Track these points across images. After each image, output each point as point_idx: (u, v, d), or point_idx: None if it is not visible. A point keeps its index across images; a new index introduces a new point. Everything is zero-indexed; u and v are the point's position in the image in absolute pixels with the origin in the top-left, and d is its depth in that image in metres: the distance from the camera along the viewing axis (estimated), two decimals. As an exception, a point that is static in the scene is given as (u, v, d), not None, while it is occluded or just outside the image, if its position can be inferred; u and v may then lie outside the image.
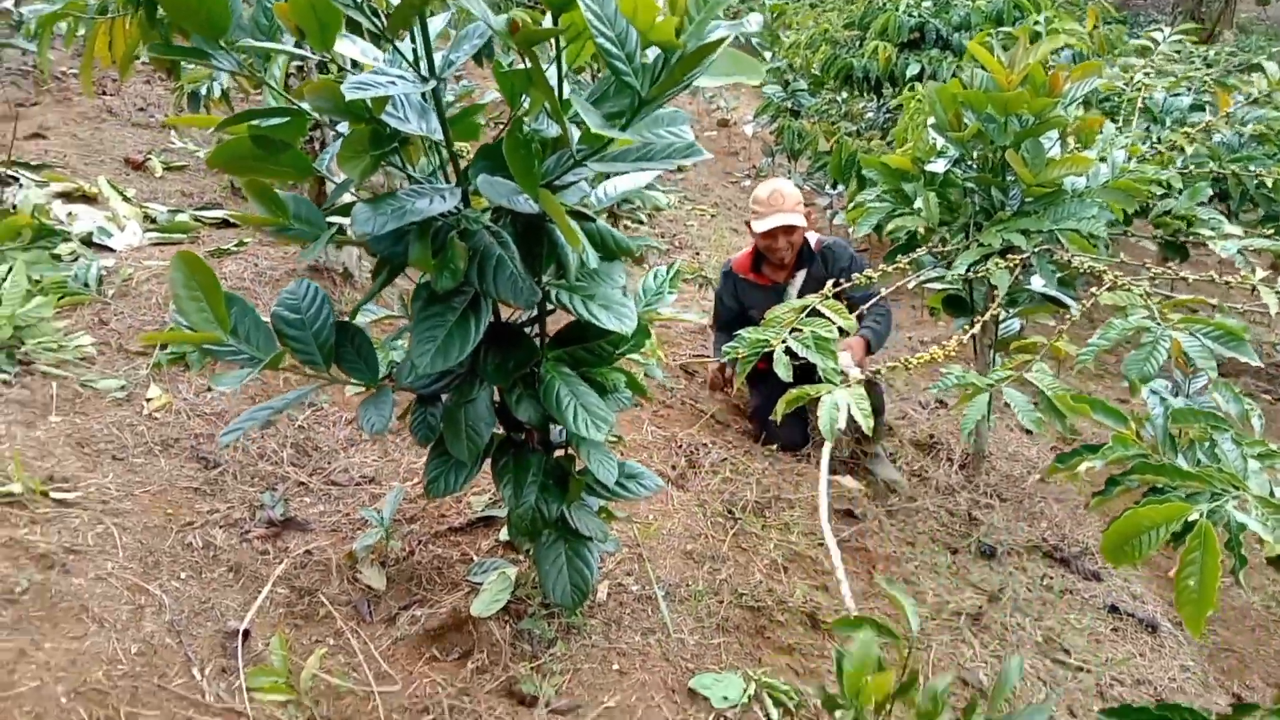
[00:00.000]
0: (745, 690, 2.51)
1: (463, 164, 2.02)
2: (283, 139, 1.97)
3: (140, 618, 2.47)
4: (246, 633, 2.52)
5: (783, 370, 2.42)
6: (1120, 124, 4.63)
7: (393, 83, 1.68)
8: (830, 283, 2.75)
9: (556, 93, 1.72)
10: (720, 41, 1.41)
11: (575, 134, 1.84)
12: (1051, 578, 3.62)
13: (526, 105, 1.91)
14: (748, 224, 4.07)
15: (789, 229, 3.96)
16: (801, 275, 4.13)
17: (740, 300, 4.28)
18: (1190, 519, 1.47)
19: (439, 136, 1.89)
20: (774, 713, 2.48)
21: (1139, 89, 4.99)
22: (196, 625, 2.52)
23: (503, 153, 1.76)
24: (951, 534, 3.76)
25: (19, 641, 2.24)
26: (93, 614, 2.40)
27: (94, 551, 2.61)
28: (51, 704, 2.13)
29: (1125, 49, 7.05)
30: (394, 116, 1.83)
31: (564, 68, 1.76)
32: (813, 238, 4.16)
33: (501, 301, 2.05)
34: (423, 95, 1.88)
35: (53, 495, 2.74)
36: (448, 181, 2.04)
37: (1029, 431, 4.94)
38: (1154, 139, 4.84)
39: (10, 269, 3.62)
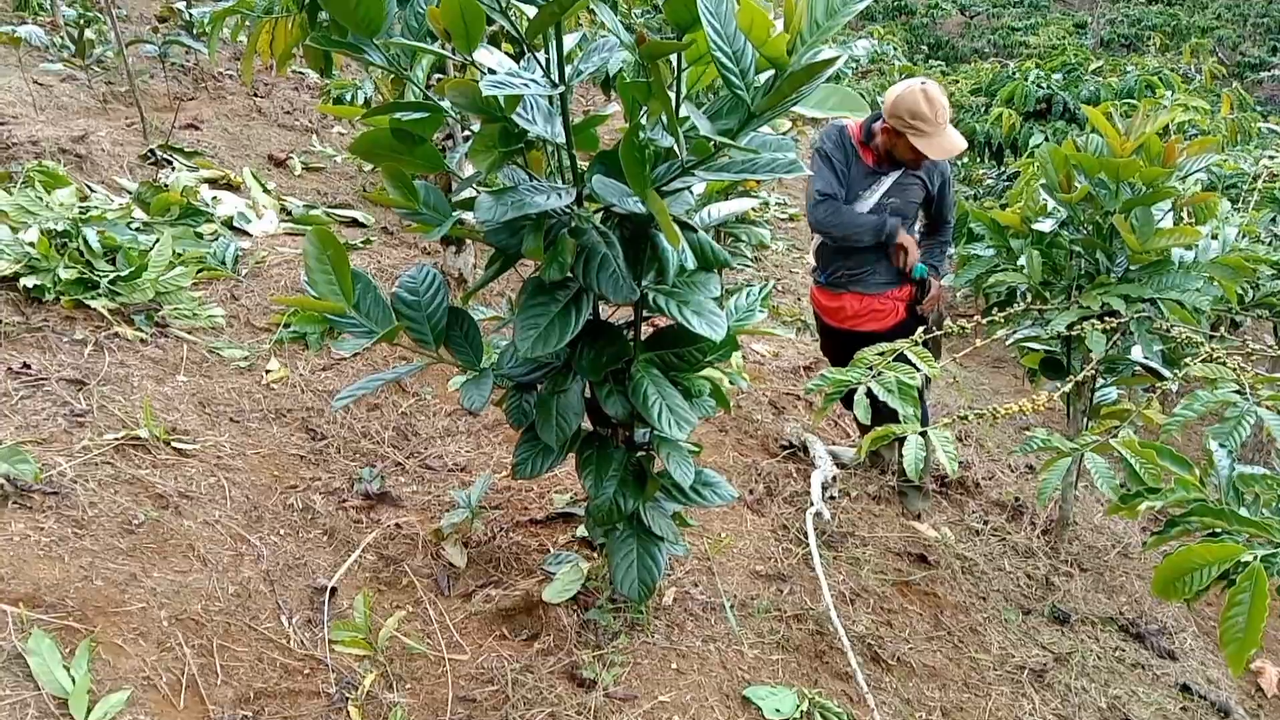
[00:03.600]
0: (798, 706, 2.56)
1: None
2: (419, 133, 2.16)
3: (239, 563, 2.66)
4: (334, 590, 2.69)
5: (861, 413, 2.48)
6: (1240, 205, 4.57)
7: (526, 85, 1.84)
8: (921, 331, 2.80)
9: (674, 105, 1.85)
10: (830, 62, 1.53)
11: (685, 146, 1.97)
12: (1124, 650, 3.56)
13: (644, 118, 2.05)
14: (882, 123, 3.59)
15: None
16: (899, 171, 3.70)
17: (847, 165, 3.72)
18: (1243, 560, 1.51)
19: (561, 140, 2.04)
20: (824, 732, 2.53)
21: (1265, 172, 4.92)
22: (289, 578, 2.70)
23: (618, 157, 1.90)
24: (1026, 596, 3.73)
25: (132, 567, 2.45)
26: (198, 553, 2.60)
27: (205, 499, 2.82)
28: (154, 625, 2.32)
29: (1264, 141, 6.93)
30: (523, 117, 2.00)
31: (683, 86, 1.90)
32: None
33: (602, 298, 2.18)
34: (550, 100, 2.03)
35: (174, 444, 2.97)
36: (565, 183, 2.19)
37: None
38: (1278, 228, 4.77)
39: (158, 240, 3.93)
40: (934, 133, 3.46)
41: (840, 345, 4.00)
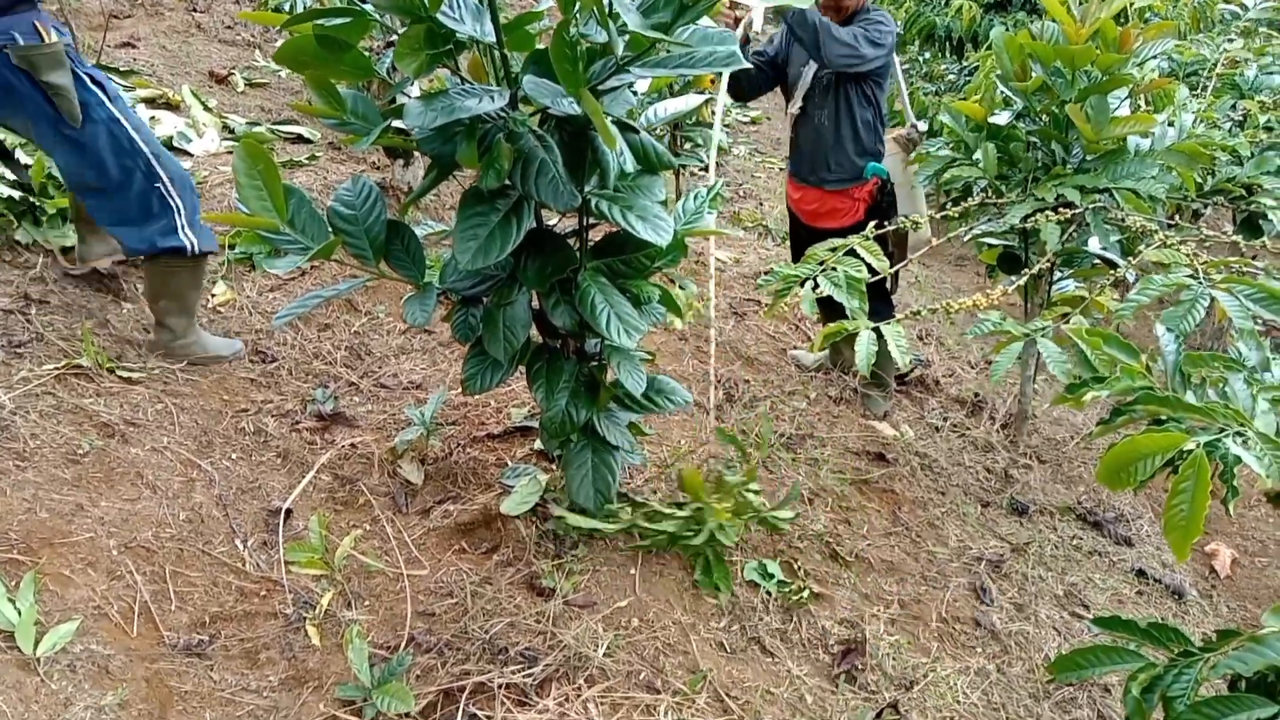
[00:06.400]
0: (757, 606, 2.59)
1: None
2: (345, 39, 2.06)
3: (191, 489, 2.63)
4: (289, 512, 2.67)
5: (807, 307, 2.45)
6: (1199, 92, 4.53)
7: (448, -21, 1.75)
8: (873, 224, 2.75)
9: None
10: (757, -53, 1.46)
11: (621, 41, 1.89)
12: (1081, 539, 3.63)
13: (577, 13, 1.96)
14: None
15: None
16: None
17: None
18: (1186, 448, 1.50)
19: (491, 39, 1.95)
20: (783, 630, 2.57)
21: (1224, 57, 4.86)
22: (243, 501, 2.68)
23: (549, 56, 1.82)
24: (985, 489, 3.78)
25: (78, 497, 2.41)
26: (147, 481, 2.57)
27: (152, 426, 2.77)
28: (103, 555, 2.29)
29: (1225, 26, 6.85)
30: (449, 16, 1.90)
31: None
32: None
33: (542, 205, 2.12)
34: (478, -4, 1.94)
35: (119, 372, 2.91)
36: (499, 85, 2.11)
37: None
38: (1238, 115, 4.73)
39: (94, 164, 3.79)
40: None
41: (801, 241, 4.01)
